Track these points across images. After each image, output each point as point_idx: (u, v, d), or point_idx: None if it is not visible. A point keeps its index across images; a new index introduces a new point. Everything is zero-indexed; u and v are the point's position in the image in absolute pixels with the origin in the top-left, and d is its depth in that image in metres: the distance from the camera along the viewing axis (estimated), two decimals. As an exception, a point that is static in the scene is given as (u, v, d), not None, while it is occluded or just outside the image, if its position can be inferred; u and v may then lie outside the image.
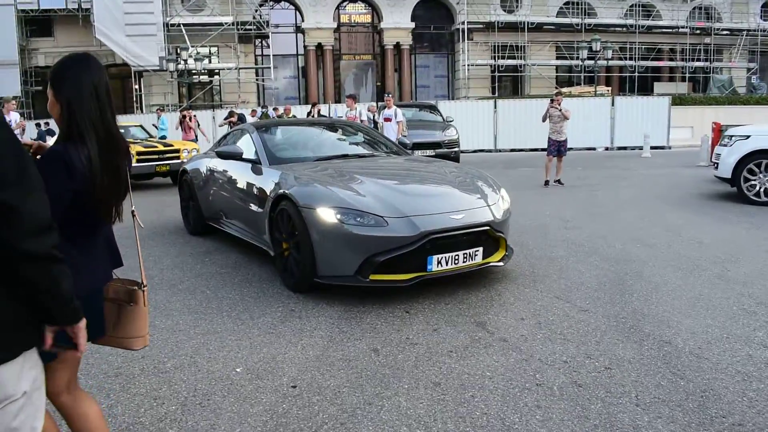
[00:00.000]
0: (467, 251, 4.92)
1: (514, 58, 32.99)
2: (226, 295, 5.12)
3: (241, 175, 6.40)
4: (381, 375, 3.52)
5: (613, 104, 24.76)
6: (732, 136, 10.53)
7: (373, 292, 4.92)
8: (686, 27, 33.77)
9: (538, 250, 6.53)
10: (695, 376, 3.47)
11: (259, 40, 32.90)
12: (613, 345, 3.93)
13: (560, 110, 12.66)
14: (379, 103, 19.96)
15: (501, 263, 5.28)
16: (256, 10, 30.95)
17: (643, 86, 33.60)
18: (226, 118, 18.53)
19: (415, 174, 6.16)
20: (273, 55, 32.10)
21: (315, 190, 5.10)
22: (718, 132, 17.20)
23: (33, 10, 30.02)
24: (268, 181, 5.71)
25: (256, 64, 32.75)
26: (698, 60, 34.38)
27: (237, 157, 6.35)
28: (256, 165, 6.14)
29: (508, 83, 35.41)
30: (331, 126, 8.23)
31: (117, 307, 2.31)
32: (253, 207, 5.97)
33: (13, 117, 10.63)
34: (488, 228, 5.08)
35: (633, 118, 24.29)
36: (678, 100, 27.07)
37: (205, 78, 32.95)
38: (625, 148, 24.07)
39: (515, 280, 5.39)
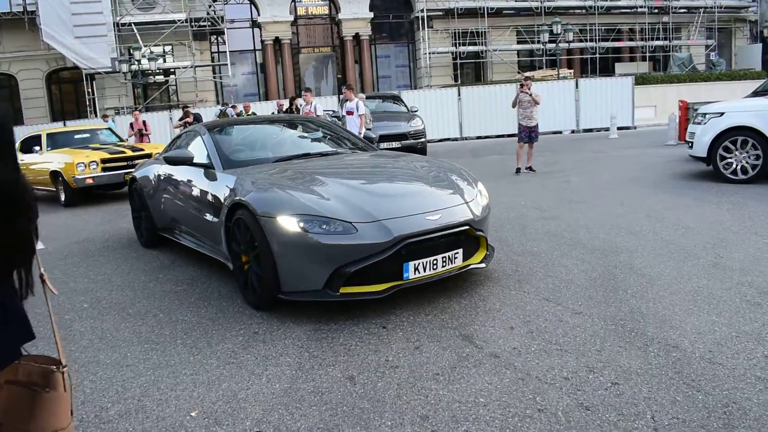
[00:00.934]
0: (446, 254, 4.46)
1: (475, 44, 32.64)
2: (182, 317, 4.59)
3: (193, 181, 5.84)
4: (359, 410, 3.04)
5: (577, 86, 24.60)
6: (705, 113, 10.25)
7: (345, 306, 4.44)
8: (644, 6, 33.74)
9: (519, 245, 6.11)
10: (713, 387, 3.08)
11: (215, 36, 32.02)
12: (615, 354, 3.52)
13: (530, 95, 12.28)
14: (340, 96, 19.43)
15: (483, 264, 4.83)
16: (210, 6, 30.03)
17: (605, 68, 33.54)
18: (181, 119, 17.46)
19: (384, 171, 5.67)
20: (230, 52, 31.23)
21: (274, 195, 4.59)
22: (685, 110, 17.10)
23: (-25, 15, 28.71)
24: (222, 188, 5.19)
25: (212, 61, 31.88)
26: (657, 39, 34.43)
27: (187, 162, 5.78)
28: (208, 170, 5.61)
29: (471, 70, 35.06)
30: (291, 123, 7.53)
31: (30, 394, 1.73)
32: (208, 216, 5.43)
33: None
34: (468, 227, 4.62)
35: (597, 100, 24.16)
36: (640, 80, 27.02)
37: (160, 78, 31.97)
38: (591, 130, 23.93)
39: (499, 282, 4.96)
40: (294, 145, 6.51)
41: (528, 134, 12.34)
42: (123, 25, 28.85)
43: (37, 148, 13.34)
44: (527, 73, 31.33)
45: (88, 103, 29.26)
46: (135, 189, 7.41)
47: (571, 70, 32.62)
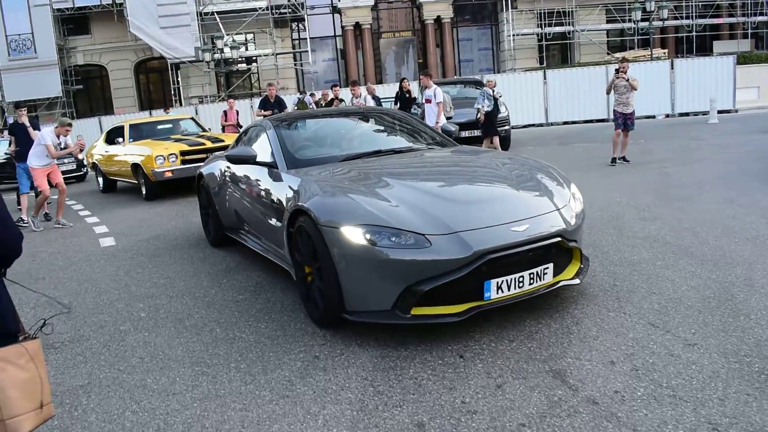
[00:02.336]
0: (534, 270, 3.85)
1: (561, 24, 31.25)
2: (239, 334, 4.21)
3: (257, 181, 5.44)
4: (429, 471, 2.55)
5: (672, 67, 23.03)
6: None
7: (417, 327, 3.94)
8: (748, -21, 31.39)
9: (615, 253, 5.43)
10: None
11: (295, 23, 32.07)
12: (743, 404, 2.86)
13: (627, 80, 11.32)
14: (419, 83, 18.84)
15: (576, 280, 4.19)
16: (291, -7, 29.98)
17: (701, 46, 31.40)
18: (261, 107, 16.32)
19: (462, 172, 5.05)
20: (310, 38, 31.20)
21: (338, 201, 4.11)
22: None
23: (68, 9, 29.76)
24: (285, 190, 4.74)
25: (293, 48, 31.94)
26: (761, 14, 31.93)
27: (249, 161, 5.34)
28: (272, 169, 5.18)
29: (557, 52, 33.66)
30: (363, 116, 6.79)
31: None
32: (272, 221, 5.01)
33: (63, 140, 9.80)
34: (560, 239, 3.99)
35: (695, 82, 22.58)
36: (742, 59, 25.12)
37: (242, 66, 32.31)
38: (687, 114, 22.41)
39: (594, 299, 4.33)
40: (365, 141, 5.94)
41: (623, 121, 11.40)
42: (206, 14, 29.25)
43: (120, 139, 13.47)
44: (623, 54, 29.75)
45: (173, 92, 29.87)
46: (202, 186, 7.11)
47: (665, 50, 30.75)
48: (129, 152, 12.53)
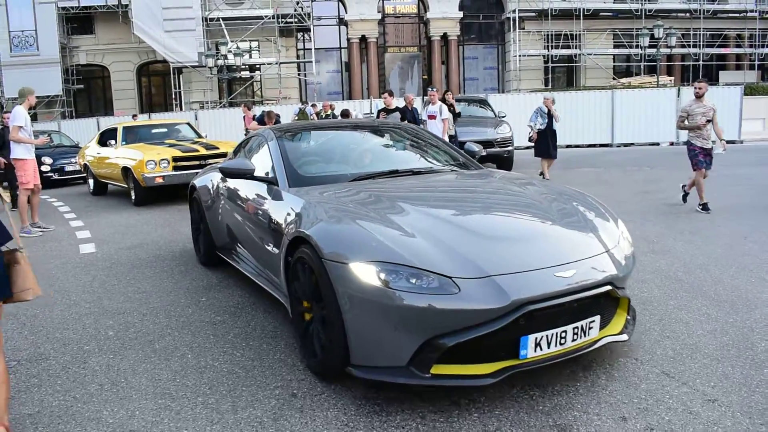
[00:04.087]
0: (578, 324, 3.22)
1: (568, 47, 31.12)
2: (212, 362, 3.83)
3: (255, 199, 4.75)
4: None
5: (678, 95, 22.78)
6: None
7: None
8: (755, 11, 31.28)
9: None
10: None
11: (301, 33, 31.87)
12: (776, 478, 2.50)
13: (708, 107, 8.95)
14: (424, 98, 18.56)
15: (624, 336, 3.54)
16: (298, 3, 29.80)
17: (708, 76, 31.18)
18: (259, 119, 14.58)
19: (493, 200, 4.33)
20: (315, 49, 31.02)
21: (346, 230, 3.48)
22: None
23: (74, 8, 29.54)
24: (286, 211, 4.09)
25: (297, 58, 31.72)
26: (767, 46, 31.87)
27: (246, 175, 4.62)
28: (272, 186, 4.53)
29: (562, 74, 33.55)
30: (376, 130, 5.96)
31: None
32: (269, 246, 4.34)
33: None
34: (611, 288, 3.37)
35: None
36: (748, 90, 24.91)
37: (245, 73, 32.05)
38: (692, 143, 22.10)
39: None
40: (379, 158, 5.21)
41: (705, 158, 8.89)
42: (211, 19, 29.05)
43: (112, 142, 13.10)
44: (629, 80, 29.56)
45: (174, 96, 29.60)
46: (194, 199, 6.46)
47: (671, 78, 30.62)
48: (120, 155, 12.16)
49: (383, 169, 4.77)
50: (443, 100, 13.82)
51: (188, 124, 14.84)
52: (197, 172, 11.31)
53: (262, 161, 4.87)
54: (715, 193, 10.44)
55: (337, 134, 5.87)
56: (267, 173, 4.69)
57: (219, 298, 5.17)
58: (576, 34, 30.85)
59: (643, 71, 30.79)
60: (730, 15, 31.99)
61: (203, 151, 11.73)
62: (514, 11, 30.68)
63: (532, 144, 12.59)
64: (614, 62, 32.82)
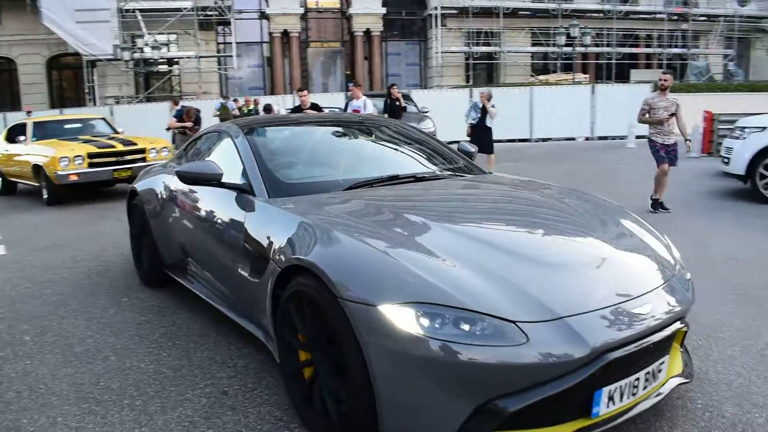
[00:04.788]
0: (650, 368, 2.64)
1: (488, 44, 31.77)
2: (137, 363, 3.70)
3: (220, 210, 3.92)
4: None
5: (593, 92, 23.67)
6: (745, 127, 9.39)
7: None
8: (664, 12, 32.86)
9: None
10: None
11: (221, 26, 31.15)
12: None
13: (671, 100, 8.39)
14: (347, 94, 18.56)
15: (686, 379, 2.96)
16: (218, -5, 29.17)
17: (620, 74, 32.52)
18: (177, 116, 13.44)
19: (526, 213, 3.58)
20: (236, 43, 30.39)
21: (368, 259, 2.68)
22: (710, 121, 16.27)
23: (-24, -3, 27.91)
24: (267, 228, 3.32)
25: (218, 52, 31.03)
26: (675, 46, 33.49)
27: (212, 181, 3.77)
28: (244, 195, 3.69)
29: (483, 71, 34.19)
30: (360, 127, 5.03)
31: None
32: (243, 271, 3.51)
33: None
34: (684, 324, 2.82)
35: (614, 107, 23.18)
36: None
37: (163, 67, 31.13)
38: (606, 137, 22.99)
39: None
40: (371, 161, 4.46)
41: (667, 154, 8.40)
42: (127, 11, 28.01)
43: (21, 138, 12.47)
44: (546, 77, 30.40)
45: (87, 90, 28.43)
46: (135, 206, 5.53)
47: (587, 75, 31.71)
48: (31, 152, 11.58)
49: (381, 175, 3.94)
50: (389, 94, 13.76)
51: (104, 119, 14.28)
52: (115, 169, 11.23)
53: (227, 164, 3.89)
54: (631, 184, 10.90)
55: (316, 131, 4.92)
56: (236, 179, 3.82)
57: (142, 299, 5.01)
58: (496, 32, 31.52)
59: (560, 69, 31.75)
60: (641, 16, 33.42)
61: (120, 147, 11.35)
62: (435, 8, 31.04)
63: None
64: (532, 60, 33.68)
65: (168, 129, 13.75)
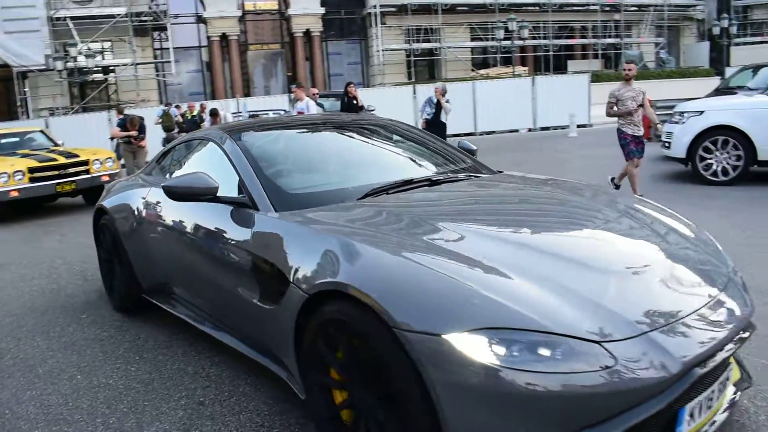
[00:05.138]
0: (721, 378, 2.42)
1: (429, 41, 32.04)
2: (105, 380, 3.58)
3: (215, 227, 3.44)
4: None
5: (533, 84, 24.13)
6: (684, 112, 9.72)
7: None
8: (597, 4, 33.77)
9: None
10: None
11: (157, 32, 30.57)
12: None
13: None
14: (291, 96, 18.44)
15: (747, 384, 2.76)
16: (152, 0, 28.56)
17: (558, 65, 33.32)
18: (121, 126, 13.09)
19: (565, 215, 3.21)
20: (173, 48, 29.87)
21: (424, 280, 2.27)
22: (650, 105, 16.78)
23: None
24: (285, 248, 2.84)
25: (155, 58, 30.43)
26: (609, 37, 34.47)
27: (206, 196, 3.28)
28: (244, 210, 3.24)
29: (424, 67, 34.47)
30: (353, 126, 4.55)
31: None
32: (249, 296, 3.06)
33: None
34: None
35: (554, 98, 23.73)
36: (595, 77, 26.80)
37: (98, 76, 30.30)
38: (548, 128, 23.47)
39: None
40: (378, 165, 3.98)
41: (637, 146, 8.28)
42: (58, 19, 27.21)
43: (-46, 154, 11.94)
44: (487, 71, 30.78)
45: (19, 103, 27.43)
46: (105, 225, 4.95)
47: (526, 68, 32.32)
48: (-35, 169, 11.09)
49: (393, 180, 3.46)
50: (346, 92, 13.59)
51: (42, 131, 13.79)
52: (58, 183, 10.85)
53: (218, 174, 3.42)
54: (577, 171, 11.15)
55: (310, 134, 4.44)
56: (232, 192, 3.39)
57: (102, 314, 4.86)
58: (435, 29, 31.82)
59: (500, 63, 32.26)
60: (575, 8, 34.26)
61: (63, 160, 10.98)
62: (374, 6, 31.12)
63: None
64: (472, 55, 34.14)
65: (112, 138, 13.41)
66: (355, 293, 2.29)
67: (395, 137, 4.45)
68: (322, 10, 32.33)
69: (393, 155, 4.24)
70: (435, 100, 12.30)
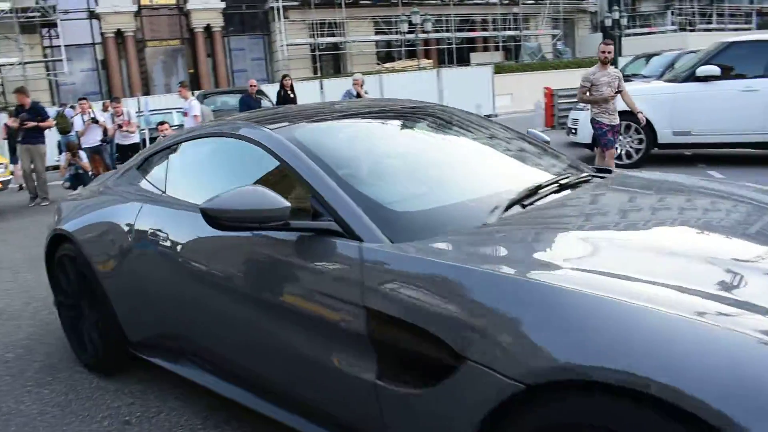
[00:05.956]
0: None
1: (333, 35, 31.88)
2: (16, 406, 3.27)
3: (267, 262, 2.47)
4: None
5: (438, 76, 24.50)
6: (588, 100, 10.08)
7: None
8: (496, -3, 34.69)
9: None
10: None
11: (46, 29, 28.91)
12: None
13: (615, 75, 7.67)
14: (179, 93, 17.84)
15: None
16: (39, -6, 27.00)
17: (461, 57, 33.99)
18: (15, 114, 11.85)
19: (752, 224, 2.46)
20: (65, 46, 28.32)
21: (701, 341, 1.44)
22: (551, 97, 17.33)
23: None
24: (442, 304, 1.83)
25: (45, 56, 28.76)
26: (509, 29, 35.44)
27: (276, 221, 2.21)
28: (332, 240, 2.22)
29: (329, 62, 34.30)
30: (422, 117, 3.42)
31: None
32: (359, 370, 2.07)
33: None
34: None
35: (460, 89, 24.16)
36: (497, 69, 27.50)
37: (-17, 76, 28.37)
38: (456, 120, 23.88)
39: None
40: (478, 165, 2.97)
41: (614, 135, 7.86)
42: (-67, 16, 25.20)
43: None
44: (392, 64, 30.90)
45: None
46: (68, 258, 3.70)
47: (431, 61, 32.74)
48: None
49: (515, 187, 2.57)
50: (282, 85, 13.14)
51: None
52: None
53: (256, 179, 2.68)
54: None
55: (375, 128, 3.26)
56: (305, 215, 2.33)
57: (4, 333, 4.47)
58: (340, 23, 31.68)
59: (404, 56, 32.56)
60: (476, 2, 35.03)
61: None
62: (277, 1, 30.64)
63: None
64: (377, 48, 34.28)
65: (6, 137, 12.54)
66: (659, 391, 1.37)
67: (469, 127, 3.40)
68: (223, 5, 31.54)
69: (485, 151, 3.21)
70: (355, 93, 12.01)
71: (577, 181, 2.82)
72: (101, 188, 3.88)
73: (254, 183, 2.52)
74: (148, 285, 3.09)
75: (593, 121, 7.85)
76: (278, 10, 30.70)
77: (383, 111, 3.53)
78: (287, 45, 30.78)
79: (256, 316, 2.47)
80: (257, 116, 3.31)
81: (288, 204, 2.19)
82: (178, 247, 2.88)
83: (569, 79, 24.46)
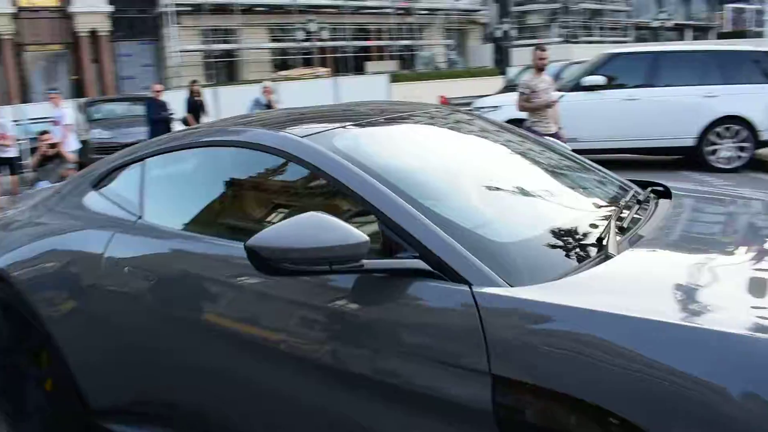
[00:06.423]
0: None
1: (227, 42, 31.31)
2: None
3: (314, 308, 1.90)
4: None
5: (335, 84, 24.58)
6: (482, 107, 10.45)
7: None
8: (391, 7, 35.13)
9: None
10: None
11: None
12: None
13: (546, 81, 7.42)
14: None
15: None
16: None
17: (356, 66, 34.25)
18: None
19: None
20: (-69, 49, 26.21)
21: None
22: (445, 104, 17.80)
23: None
24: (614, 380, 1.37)
25: None
26: (403, 39, 36.05)
27: (350, 263, 1.66)
28: (430, 283, 1.68)
29: (223, 69, 33.63)
30: (458, 125, 2.96)
31: None
32: None
33: None
34: None
35: (356, 97, 23.79)
36: (393, 78, 27.91)
37: None
38: (353, 127, 24.03)
39: None
40: (561, 184, 2.58)
41: None
42: None
43: None
44: (287, 73, 30.69)
45: None
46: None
47: (327, 69, 32.76)
48: None
49: (602, 206, 2.30)
50: (191, 92, 12.51)
51: None
52: None
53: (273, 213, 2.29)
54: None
55: (422, 138, 2.65)
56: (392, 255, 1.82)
57: None
58: (234, 29, 31.14)
59: (301, 64, 32.41)
60: (371, 11, 35.34)
61: None
62: (167, 5, 29.71)
63: None
64: (273, 56, 33.92)
65: None
66: None
67: (507, 138, 2.84)
68: (110, 8, 30.17)
69: (545, 164, 2.69)
70: (265, 101, 11.52)
71: (646, 197, 2.45)
72: (39, 211, 3.03)
73: (275, 207, 2.04)
74: (118, 334, 2.40)
75: (529, 131, 7.77)
76: (169, 15, 29.77)
77: (414, 116, 2.85)
78: (180, 51, 29.89)
79: (299, 383, 1.88)
80: (261, 119, 2.85)
81: (366, 238, 1.66)
82: (173, 290, 2.28)
83: (462, 88, 25.29)
